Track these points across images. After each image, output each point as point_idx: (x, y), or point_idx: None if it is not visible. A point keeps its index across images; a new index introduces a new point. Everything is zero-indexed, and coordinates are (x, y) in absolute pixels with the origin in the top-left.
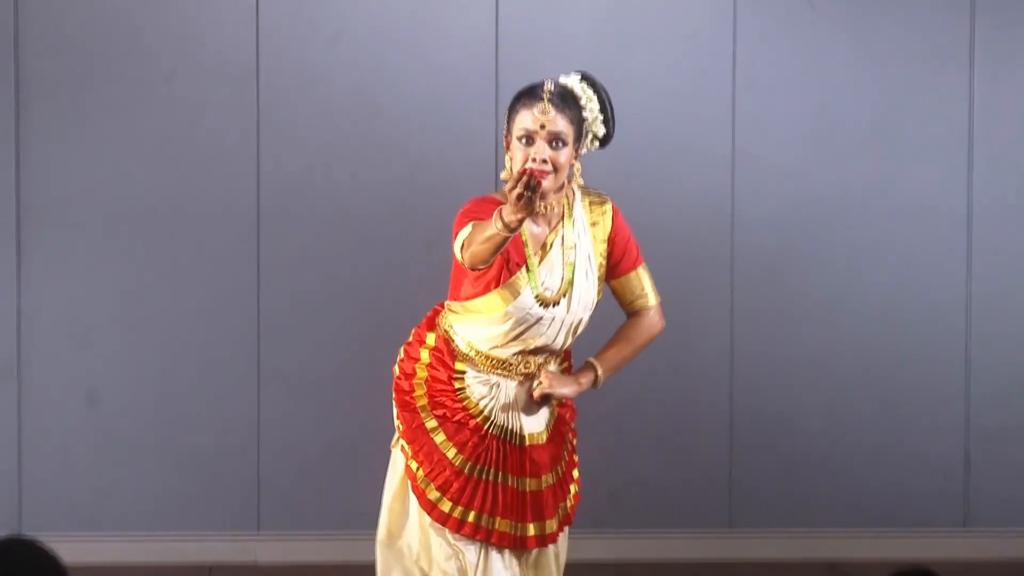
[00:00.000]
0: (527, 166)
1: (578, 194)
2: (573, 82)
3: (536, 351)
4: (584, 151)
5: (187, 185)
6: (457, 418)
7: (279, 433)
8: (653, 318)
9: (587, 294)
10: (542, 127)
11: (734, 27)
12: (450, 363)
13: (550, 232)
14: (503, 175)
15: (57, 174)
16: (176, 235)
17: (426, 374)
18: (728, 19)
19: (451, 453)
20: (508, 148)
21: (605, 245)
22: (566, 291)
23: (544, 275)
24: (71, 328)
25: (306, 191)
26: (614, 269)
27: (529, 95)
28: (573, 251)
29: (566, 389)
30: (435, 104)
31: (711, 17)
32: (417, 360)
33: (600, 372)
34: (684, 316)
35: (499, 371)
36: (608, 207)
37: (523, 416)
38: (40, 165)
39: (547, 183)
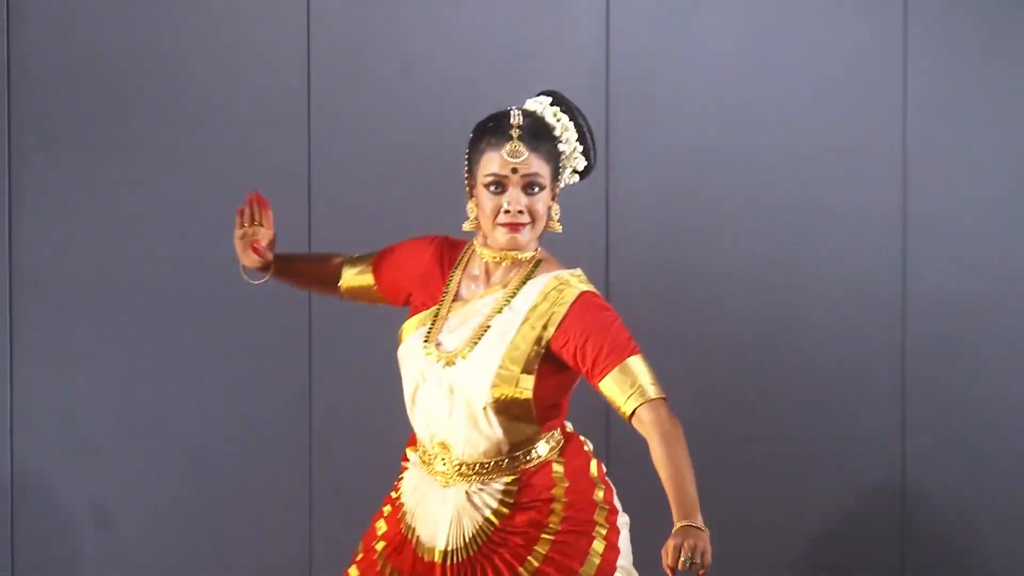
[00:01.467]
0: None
1: (552, 272)
2: (544, 109)
3: (442, 444)
4: (561, 187)
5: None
6: (393, 511)
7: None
8: (663, 415)
9: (484, 369)
10: (514, 171)
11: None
12: (405, 451)
13: (492, 287)
14: (466, 226)
15: (55, 240)
16: (206, 316)
17: None
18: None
19: (377, 542)
20: (471, 194)
21: (550, 333)
22: (463, 355)
23: (451, 326)
24: (71, 432)
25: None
26: (591, 368)
27: (495, 132)
28: (498, 317)
29: (672, 541)
30: None
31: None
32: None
33: (686, 521)
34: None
35: (421, 460)
36: (573, 293)
37: (437, 527)
38: (35, 229)
39: (523, 237)
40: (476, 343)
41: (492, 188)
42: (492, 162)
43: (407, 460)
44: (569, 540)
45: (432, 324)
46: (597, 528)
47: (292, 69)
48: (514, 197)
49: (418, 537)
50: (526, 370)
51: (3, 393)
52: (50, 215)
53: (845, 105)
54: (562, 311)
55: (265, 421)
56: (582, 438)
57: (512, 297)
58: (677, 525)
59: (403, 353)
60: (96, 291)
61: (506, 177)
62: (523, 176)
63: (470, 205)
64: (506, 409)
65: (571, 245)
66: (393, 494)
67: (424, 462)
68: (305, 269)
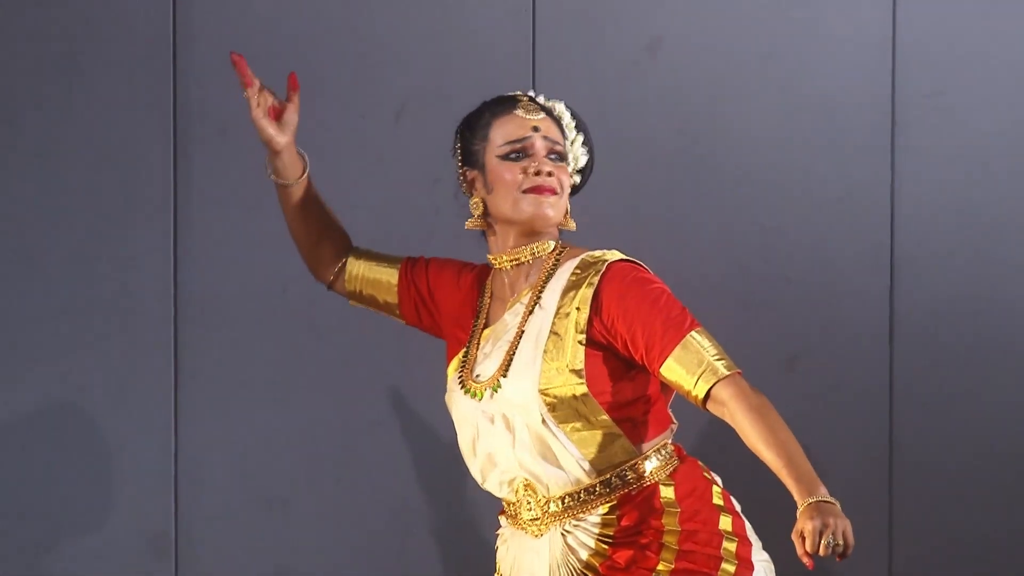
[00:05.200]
0: None
1: (574, 259)
2: (547, 102)
3: (524, 485)
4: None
5: None
6: None
7: None
8: (744, 387)
9: (527, 378)
10: (535, 130)
11: None
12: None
13: (517, 295)
14: (470, 223)
15: (220, 254)
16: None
17: None
18: None
19: None
20: (471, 189)
21: (587, 313)
22: (504, 372)
23: (485, 353)
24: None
25: None
26: (647, 353)
27: (497, 103)
28: (530, 319)
29: (810, 523)
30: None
31: None
32: None
33: (813, 497)
34: None
35: (508, 516)
36: (601, 266)
37: None
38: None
39: (552, 207)
40: (512, 356)
41: (512, 155)
42: (507, 126)
43: (498, 529)
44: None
45: (465, 363)
46: (724, 565)
47: (517, 48)
48: (540, 158)
49: None
50: (572, 364)
51: (167, 437)
52: (216, 225)
53: None
54: (592, 290)
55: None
56: (702, 464)
57: (540, 295)
58: (804, 503)
59: (449, 401)
60: (271, 310)
61: (528, 138)
62: (546, 138)
63: (473, 200)
64: (568, 416)
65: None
66: None
67: (511, 516)
68: (326, 218)
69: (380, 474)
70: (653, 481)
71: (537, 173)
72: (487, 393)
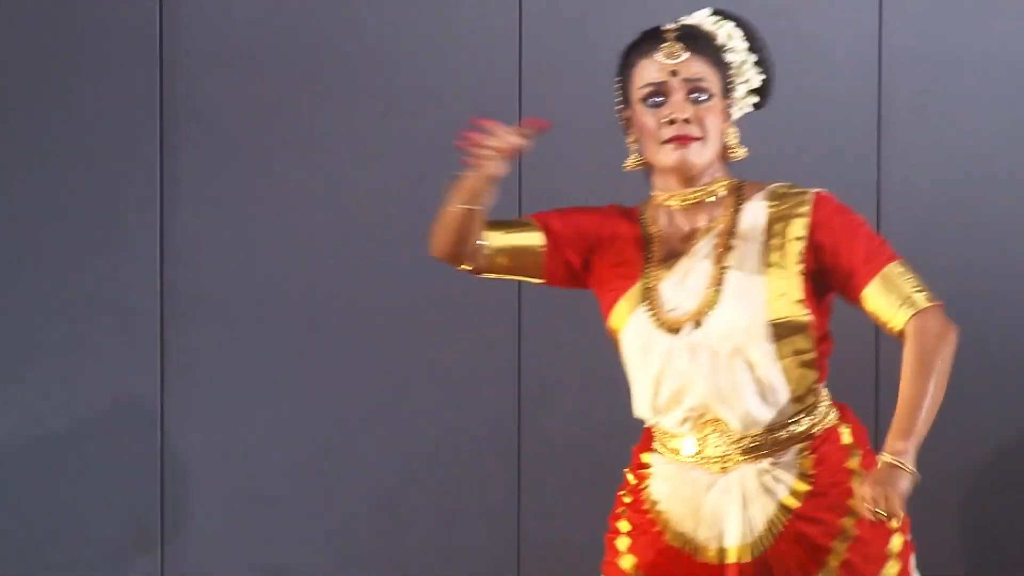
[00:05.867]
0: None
1: (763, 188)
2: (703, 19)
3: (712, 420)
4: (738, 112)
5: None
6: (640, 526)
7: None
8: (931, 326)
9: (747, 312)
10: (673, 74)
11: None
12: (638, 458)
13: (701, 228)
14: (627, 165)
15: (207, 250)
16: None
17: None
18: None
19: (626, 563)
20: (628, 128)
21: (803, 243)
22: (710, 306)
23: (672, 287)
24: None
25: None
26: (846, 282)
27: (645, 41)
28: (729, 255)
29: (867, 490)
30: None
31: None
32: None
33: (891, 456)
34: None
35: (680, 456)
36: (808, 197)
37: (722, 522)
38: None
39: (695, 154)
40: (719, 289)
41: (650, 101)
42: (646, 69)
43: (643, 467)
44: (867, 536)
45: (649, 298)
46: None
47: (503, 51)
48: (678, 104)
49: (697, 544)
50: (797, 295)
51: (152, 431)
52: (203, 221)
53: None
54: (806, 214)
55: (470, 464)
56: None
57: (733, 230)
58: (880, 459)
59: (630, 339)
60: (259, 307)
61: (665, 83)
62: (685, 80)
63: (630, 139)
64: (785, 348)
65: None
66: (620, 521)
67: (681, 452)
68: (477, 230)
69: (368, 472)
70: (833, 424)
71: (672, 122)
72: (688, 326)
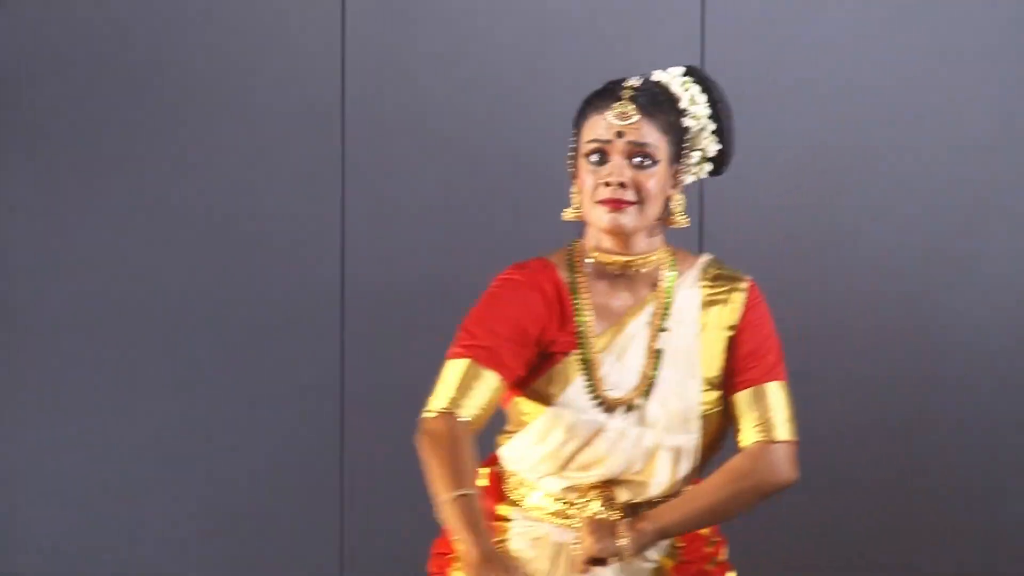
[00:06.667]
0: (603, 198)
1: (695, 264)
2: (672, 78)
3: (607, 487)
4: (690, 178)
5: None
6: None
7: None
8: (776, 459)
9: (681, 402)
10: (619, 135)
11: None
12: (492, 507)
13: (633, 304)
14: (566, 215)
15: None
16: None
17: None
18: None
19: None
20: (574, 176)
21: (728, 336)
22: (644, 392)
23: (610, 364)
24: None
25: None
26: (734, 377)
27: (603, 95)
28: (663, 336)
29: (591, 546)
30: None
31: None
32: None
33: (630, 522)
34: None
35: (552, 517)
36: (743, 286)
37: None
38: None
39: (628, 218)
40: (654, 376)
41: (592, 158)
42: (596, 125)
43: (500, 520)
44: None
45: (589, 371)
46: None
47: (324, 58)
48: (617, 167)
49: None
50: (719, 383)
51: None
52: (37, 225)
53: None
54: (739, 306)
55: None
56: None
57: (667, 307)
58: (621, 521)
59: (561, 412)
60: (114, 310)
61: (609, 143)
62: (629, 143)
63: (573, 190)
64: (712, 430)
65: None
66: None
67: (563, 513)
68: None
69: (229, 474)
70: None
71: (608, 184)
72: (622, 409)
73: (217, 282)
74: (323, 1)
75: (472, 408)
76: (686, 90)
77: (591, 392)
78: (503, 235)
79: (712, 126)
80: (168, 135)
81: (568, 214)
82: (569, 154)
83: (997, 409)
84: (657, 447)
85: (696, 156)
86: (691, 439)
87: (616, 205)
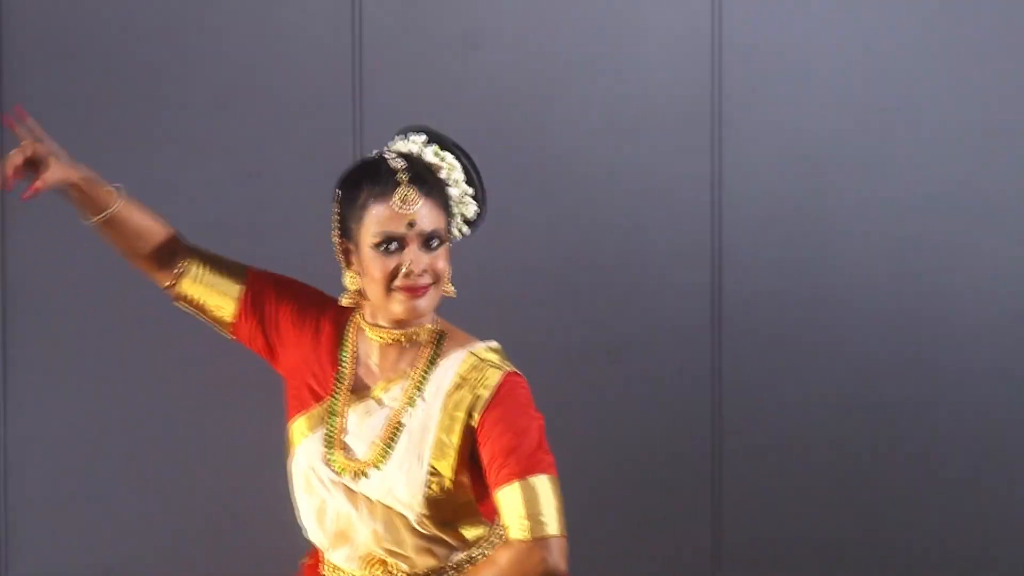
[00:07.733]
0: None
1: (459, 351)
2: (421, 149)
3: (380, 561)
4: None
5: None
6: None
7: None
8: (535, 559)
9: (408, 476)
10: (411, 225)
11: None
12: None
13: (394, 375)
14: (344, 301)
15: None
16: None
17: None
18: None
19: None
20: (347, 261)
21: (471, 421)
22: (377, 463)
23: (354, 424)
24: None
25: None
26: (493, 467)
27: (375, 180)
28: (410, 411)
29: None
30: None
31: None
32: None
33: None
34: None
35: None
36: (496, 375)
37: None
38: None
39: (425, 303)
40: (390, 447)
41: (384, 248)
42: (383, 216)
43: None
44: None
45: (329, 425)
46: None
47: (336, 50)
48: (414, 256)
49: None
50: (459, 468)
51: None
52: (43, 216)
53: None
54: (487, 395)
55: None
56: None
57: (421, 385)
58: None
59: (299, 460)
60: (97, 303)
61: (402, 235)
62: (421, 231)
63: (348, 275)
64: (445, 515)
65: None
66: None
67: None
68: (152, 224)
69: (209, 472)
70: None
71: (408, 274)
72: (349, 474)
73: None
74: None
75: (194, 268)
76: (442, 160)
77: (326, 446)
78: (521, 230)
79: (470, 190)
80: (177, 130)
81: (345, 301)
82: (335, 235)
83: (995, 407)
84: (390, 515)
85: (458, 219)
86: (419, 515)
87: (416, 293)
